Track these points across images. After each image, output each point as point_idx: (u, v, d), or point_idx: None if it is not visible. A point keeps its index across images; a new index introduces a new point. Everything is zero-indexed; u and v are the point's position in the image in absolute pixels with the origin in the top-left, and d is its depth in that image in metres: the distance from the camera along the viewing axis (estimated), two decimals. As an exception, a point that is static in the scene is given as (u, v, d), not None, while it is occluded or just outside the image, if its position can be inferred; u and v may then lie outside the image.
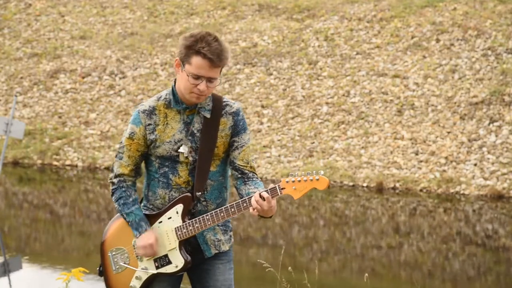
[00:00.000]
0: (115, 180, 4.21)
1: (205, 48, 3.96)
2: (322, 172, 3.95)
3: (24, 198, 14.88)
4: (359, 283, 9.69)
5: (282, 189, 3.95)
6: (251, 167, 4.18)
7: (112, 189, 4.22)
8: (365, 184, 15.41)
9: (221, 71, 4.08)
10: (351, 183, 15.49)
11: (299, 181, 3.95)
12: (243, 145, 4.16)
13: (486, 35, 17.77)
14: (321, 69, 18.35)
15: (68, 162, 17.42)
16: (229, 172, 4.27)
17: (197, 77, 3.99)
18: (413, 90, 17.07)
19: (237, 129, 4.15)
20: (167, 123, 4.11)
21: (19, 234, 12.22)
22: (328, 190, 15.30)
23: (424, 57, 17.79)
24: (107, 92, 19.12)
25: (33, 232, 12.36)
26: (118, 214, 4.28)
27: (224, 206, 4.05)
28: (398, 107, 16.82)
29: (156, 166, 4.15)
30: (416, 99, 16.85)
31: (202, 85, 4.00)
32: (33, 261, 10.42)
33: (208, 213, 4.06)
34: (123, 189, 4.19)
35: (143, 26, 21.30)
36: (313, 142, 16.61)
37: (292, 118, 17.32)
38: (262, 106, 17.78)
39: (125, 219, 4.19)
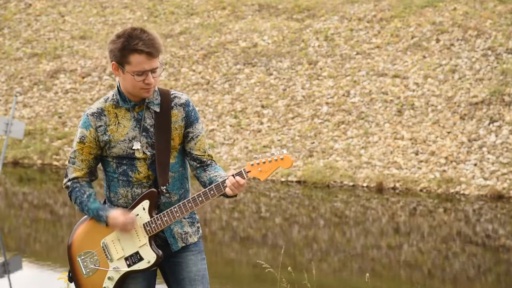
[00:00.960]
0: (69, 183, 4.20)
1: (139, 44, 3.99)
2: (285, 151, 3.97)
3: (24, 198, 14.88)
4: (359, 283, 9.69)
5: (247, 172, 3.99)
6: (208, 155, 4.21)
7: (68, 193, 4.21)
8: (365, 184, 15.41)
9: (159, 58, 4.10)
10: (351, 183, 15.49)
11: (264, 162, 3.98)
12: (198, 135, 4.19)
13: (486, 35, 17.77)
14: (321, 69, 18.35)
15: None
16: (187, 163, 4.29)
17: (142, 73, 4.03)
18: (413, 90, 17.08)
19: (190, 119, 4.18)
20: (118, 122, 4.12)
21: (19, 234, 12.22)
22: (328, 190, 15.32)
23: (424, 57, 17.80)
24: (107, 92, 19.12)
25: (33, 232, 12.36)
26: (82, 218, 4.27)
27: (191, 196, 4.07)
28: (398, 107, 16.83)
29: (114, 166, 4.15)
30: (416, 99, 16.85)
31: (149, 78, 4.04)
32: (33, 261, 10.42)
33: (176, 205, 4.07)
34: (77, 188, 4.18)
35: (143, 26, 21.27)
36: (313, 142, 16.61)
37: (292, 118, 17.32)
38: (262, 106, 17.79)
39: (88, 217, 4.19)
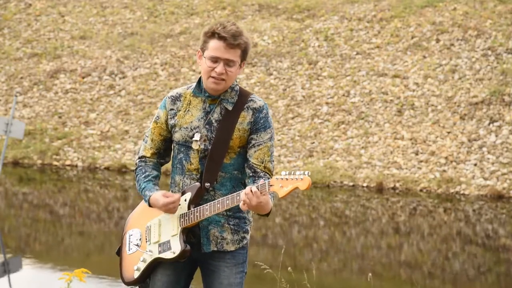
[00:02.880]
0: (137, 161, 4.25)
1: (219, 29, 3.98)
2: (308, 173, 3.91)
3: (24, 198, 14.88)
4: (359, 283, 9.70)
5: (271, 185, 3.90)
6: (265, 167, 4.09)
7: (135, 170, 4.25)
8: (365, 184, 15.41)
9: (242, 58, 4.05)
10: (351, 183, 15.49)
11: (286, 179, 3.90)
12: (261, 144, 4.08)
13: (486, 35, 17.77)
14: (321, 69, 18.35)
15: (68, 162, 17.42)
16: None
17: (215, 60, 4.00)
18: (413, 90, 17.08)
19: (257, 126, 4.09)
20: (188, 110, 4.13)
21: (19, 234, 12.22)
22: (328, 190, 15.32)
23: (424, 57, 17.80)
24: (107, 92, 19.12)
25: (33, 232, 12.36)
26: None
27: (221, 198, 4.00)
28: (398, 107, 16.83)
29: (176, 152, 4.17)
30: (416, 99, 16.85)
31: (220, 67, 3.99)
32: (33, 261, 10.42)
33: (207, 204, 4.02)
34: (140, 167, 4.21)
35: (143, 26, 21.30)
36: (313, 142, 16.61)
37: (292, 118, 17.32)
38: (262, 106, 17.79)
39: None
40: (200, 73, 4.24)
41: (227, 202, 3.96)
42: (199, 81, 4.14)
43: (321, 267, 10.31)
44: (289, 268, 6.72)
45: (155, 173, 4.21)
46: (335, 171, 15.71)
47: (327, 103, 17.42)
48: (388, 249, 11.58)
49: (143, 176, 4.19)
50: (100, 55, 20.29)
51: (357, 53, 18.47)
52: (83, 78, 19.70)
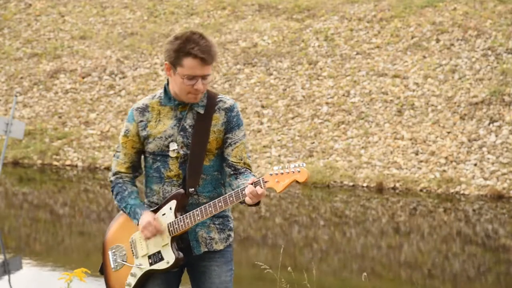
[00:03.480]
0: (112, 178, 4.26)
1: (195, 48, 3.98)
2: (304, 164, 3.93)
3: (24, 198, 14.88)
4: (359, 283, 9.70)
5: (265, 182, 3.93)
6: (244, 163, 4.17)
7: (111, 188, 4.27)
8: (365, 184, 15.42)
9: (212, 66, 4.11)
10: (351, 183, 15.49)
11: (282, 173, 3.93)
12: (237, 142, 4.16)
13: (486, 35, 17.77)
14: (321, 69, 18.35)
15: (68, 162, 17.43)
16: None
17: (192, 78, 4.03)
18: (413, 90, 17.08)
19: (230, 125, 4.16)
20: (159, 120, 4.15)
21: (19, 234, 12.22)
22: (328, 190, 15.32)
23: (424, 57, 17.80)
24: (107, 92, 19.12)
25: (33, 232, 12.36)
26: (120, 212, 4.32)
27: (213, 201, 4.04)
28: (398, 107, 16.83)
29: (150, 162, 4.19)
30: (416, 99, 16.85)
31: (198, 84, 4.03)
32: (33, 261, 10.42)
33: (198, 208, 4.06)
34: (119, 184, 4.23)
35: (143, 26, 21.30)
36: (313, 142, 16.61)
37: (292, 118, 17.32)
38: (262, 106, 17.79)
39: (125, 213, 4.23)
40: (167, 82, 4.22)
41: (220, 204, 4.00)
42: (165, 90, 4.16)
43: (321, 267, 10.31)
44: (289, 268, 6.72)
45: (136, 189, 4.25)
46: (335, 171, 15.71)
47: (327, 103, 17.42)
48: (388, 249, 11.58)
49: (127, 193, 4.21)
50: (100, 55, 20.29)
51: (357, 53, 18.47)
52: (83, 78, 19.70)
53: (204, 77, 4.05)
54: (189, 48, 3.99)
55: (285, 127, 17.14)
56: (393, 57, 18.05)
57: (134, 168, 4.25)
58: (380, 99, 17.10)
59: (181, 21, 21.20)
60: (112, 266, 4.25)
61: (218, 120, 4.14)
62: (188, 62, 4.01)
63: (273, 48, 19.20)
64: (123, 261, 4.21)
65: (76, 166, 17.35)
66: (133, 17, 21.74)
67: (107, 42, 20.84)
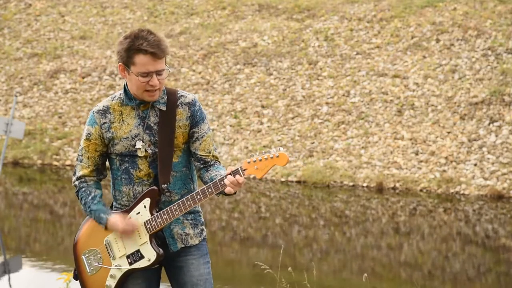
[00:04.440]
0: (76, 183, 4.24)
1: (143, 44, 3.99)
2: (281, 149, 3.96)
3: (24, 198, 14.88)
4: (359, 283, 9.69)
5: (244, 170, 3.96)
6: (213, 156, 4.19)
7: (76, 192, 4.25)
8: (365, 184, 15.41)
9: (165, 61, 4.12)
10: (351, 183, 15.49)
11: (260, 160, 3.96)
12: (203, 135, 4.17)
13: (486, 35, 17.77)
14: (321, 69, 18.35)
15: (68, 162, 17.42)
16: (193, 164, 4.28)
17: (146, 74, 4.03)
18: (413, 90, 17.08)
19: (195, 119, 4.17)
20: (122, 120, 4.14)
21: (19, 234, 12.22)
22: (328, 190, 15.32)
23: (424, 57, 17.80)
24: (107, 92, 19.12)
25: (33, 232, 12.36)
26: (88, 216, 4.30)
27: (190, 194, 4.05)
28: (398, 107, 16.83)
29: (118, 163, 4.18)
30: (416, 99, 16.85)
31: (154, 80, 4.05)
32: (33, 261, 10.42)
33: (175, 203, 4.07)
34: (83, 188, 4.22)
35: (143, 26, 21.30)
36: (313, 142, 16.61)
37: (292, 118, 17.32)
38: (262, 106, 17.78)
39: (91, 217, 4.22)
40: (124, 84, 4.21)
41: (198, 197, 4.03)
42: (125, 91, 4.16)
43: (321, 267, 10.31)
44: (289, 268, 6.72)
45: (99, 192, 4.24)
46: (335, 171, 15.71)
47: (327, 103, 17.42)
48: (388, 249, 11.58)
49: (90, 197, 4.20)
50: (100, 55, 20.29)
51: (357, 53, 18.47)
52: (83, 78, 19.70)
53: (158, 72, 4.06)
54: (138, 44, 3.99)
55: (285, 127, 17.13)
56: (393, 57, 18.04)
57: (98, 171, 4.24)
58: (380, 99, 17.10)
59: (181, 21, 21.20)
60: (88, 270, 4.23)
61: (182, 115, 4.16)
62: (139, 59, 4.01)
63: (273, 48, 19.20)
64: (99, 264, 4.19)
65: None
66: (133, 17, 21.74)
67: (107, 42, 20.84)
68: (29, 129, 18.21)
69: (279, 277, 6.91)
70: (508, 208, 14.00)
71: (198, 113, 4.18)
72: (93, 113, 4.16)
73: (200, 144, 4.17)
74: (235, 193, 4.03)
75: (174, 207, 4.06)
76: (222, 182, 3.97)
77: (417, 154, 15.76)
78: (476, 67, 17.11)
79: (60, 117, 18.73)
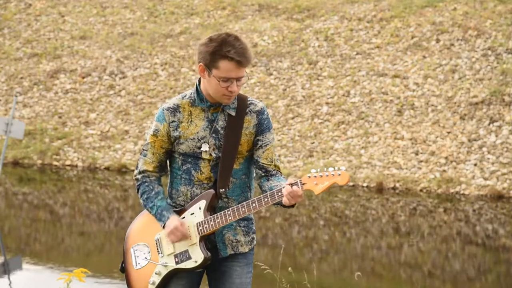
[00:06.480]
0: (139, 176, 4.24)
1: (231, 52, 3.99)
2: (343, 168, 3.99)
3: (24, 198, 14.88)
4: (359, 283, 9.69)
5: (303, 184, 3.97)
6: (275, 165, 4.19)
7: (137, 185, 4.26)
8: (365, 184, 15.41)
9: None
10: (351, 183, 15.49)
11: (321, 176, 3.97)
12: (267, 144, 4.18)
13: (486, 35, 17.77)
14: (321, 69, 18.35)
15: (68, 162, 17.42)
16: (254, 173, 4.27)
17: (227, 80, 4.03)
18: (413, 90, 17.08)
19: (262, 128, 4.17)
20: (191, 121, 4.15)
21: (19, 234, 12.22)
22: (328, 190, 15.31)
23: (424, 57, 17.80)
24: (107, 92, 19.12)
25: (33, 232, 12.36)
26: (143, 210, 4.31)
27: (246, 202, 4.05)
28: (398, 107, 16.83)
29: (179, 163, 4.18)
30: (416, 99, 16.85)
31: (233, 86, 4.04)
32: (33, 261, 10.42)
33: (230, 209, 4.07)
34: (146, 183, 4.22)
35: (143, 26, 21.30)
36: (313, 142, 16.61)
37: (292, 118, 17.32)
38: (262, 106, 17.78)
39: (150, 213, 4.21)
40: (198, 82, 4.20)
41: (254, 205, 4.03)
42: (198, 91, 4.16)
43: (321, 267, 10.31)
44: (289, 268, 6.72)
45: (161, 188, 4.25)
46: (335, 171, 15.69)
47: (327, 103, 17.42)
48: (388, 249, 11.58)
49: (154, 193, 4.20)
50: (100, 55, 20.29)
51: (357, 53, 18.47)
52: (83, 78, 19.70)
53: (238, 79, 4.05)
54: (226, 51, 3.99)
55: (285, 127, 17.13)
56: (393, 57, 18.04)
57: (161, 167, 4.24)
58: (380, 99, 17.10)
59: (181, 21, 21.20)
60: (135, 264, 4.23)
61: (250, 122, 4.16)
62: (224, 64, 4.01)
63: (273, 48, 19.20)
64: (146, 258, 4.19)
65: (76, 166, 17.35)
66: (133, 17, 21.74)
67: (107, 42, 20.84)
68: (29, 129, 18.21)
69: (279, 277, 6.91)
70: (508, 208, 14.00)
71: (265, 122, 4.18)
72: (163, 110, 4.17)
73: (263, 152, 4.17)
74: (293, 206, 4.01)
75: (228, 212, 4.07)
76: (280, 193, 3.97)
77: (417, 154, 15.76)
78: (476, 67, 17.11)
79: (60, 117, 18.72)
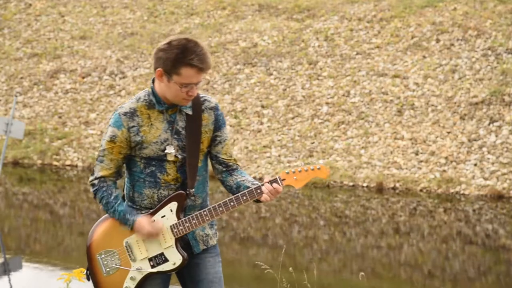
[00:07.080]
0: (95, 182, 4.20)
1: (194, 59, 4.01)
2: (321, 161, 4.06)
3: (24, 198, 14.88)
4: (359, 283, 9.69)
5: (282, 180, 4.04)
6: (234, 159, 4.27)
7: (94, 191, 4.21)
8: (365, 184, 15.41)
9: None
10: (351, 183, 15.49)
11: (300, 171, 4.04)
12: (225, 139, 4.24)
13: (486, 35, 17.77)
14: (321, 69, 18.35)
15: (68, 162, 17.43)
16: (209, 166, 4.33)
17: (187, 85, 4.05)
18: (413, 90, 17.08)
19: (219, 123, 4.22)
20: (151, 124, 4.13)
21: (19, 234, 12.22)
22: (328, 190, 15.31)
23: (424, 57, 17.80)
24: (107, 92, 19.12)
25: (33, 232, 12.36)
26: (104, 216, 4.29)
27: (223, 201, 4.09)
28: (398, 107, 16.83)
29: (141, 166, 4.16)
30: (416, 99, 16.85)
31: (194, 91, 4.07)
32: (33, 261, 10.42)
33: (205, 209, 4.11)
34: (104, 188, 4.18)
35: (143, 26, 21.30)
36: (313, 142, 16.61)
37: (292, 118, 17.32)
38: (262, 106, 17.79)
39: (113, 217, 4.20)
40: (151, 87, 4.21)
41: (232, 204, 4.08)
42: (154, 94, 4.16)
43: (321, 267, 10.31)
44: (290, 268, 6.72)
45: (119, 192, 4.23)
46: (335, 171, 15.71)
47: (327, 103, 17.42)
48: (388, 249, 11.58)
49: (113, 197, 4.17)
50: (100, 55, 20.29)
51: (357, 53, 18.47)
52: (83, 78, 19.70)
53: (197, 83, 4.09)
54: (189, 58, 4.01)
55: (285, 127, 17.13)
56: (393, 57, 18.04)
57: (118, 173, 4.22)
58: (380, 99, 17.10)
59: (181, 21, 21.20)
60: (104, 271, 4.21)
61: (207, 120, 4.20)
62: (186, 71, 4.03)
63: (273, 48, 19.20)
64: (117, 265, 4.17)
65: (76, 166, 17.35)
66: (133, 17, 21.74)
67: (107, 42, 20.84)
68: (29, 129, 18.21)
69: (280, 277, 6.91)
70: (508, 208, 14.00)
71: (221, 118, 4.25)
72: (119, 115, 4.13)
73: (223, 147, 4.24)
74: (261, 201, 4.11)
75: (205, 213, 4.11)
76: (259, 190, 4.05)
77: (417, 154, 15.77)
78: (476, 67, 17.11)
79: (60, 117, 18.73)
